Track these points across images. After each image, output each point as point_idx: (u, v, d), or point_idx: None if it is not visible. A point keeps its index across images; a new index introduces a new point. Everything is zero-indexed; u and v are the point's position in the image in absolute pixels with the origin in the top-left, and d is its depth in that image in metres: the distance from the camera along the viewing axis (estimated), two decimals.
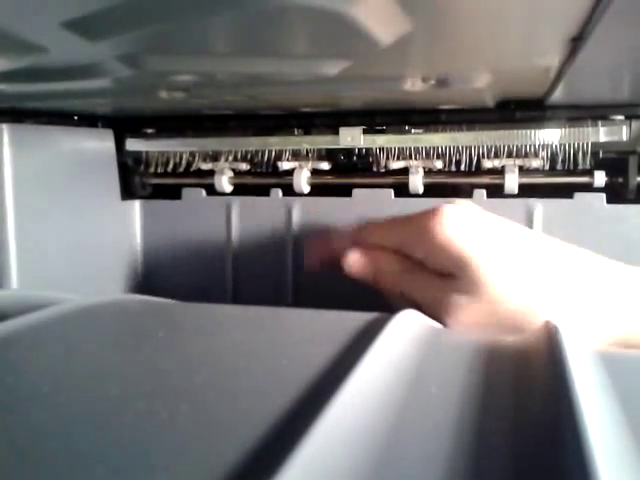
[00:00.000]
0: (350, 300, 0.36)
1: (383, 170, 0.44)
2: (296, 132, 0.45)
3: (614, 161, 0.40)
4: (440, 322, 0.29)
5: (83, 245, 0.44)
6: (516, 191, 0.41)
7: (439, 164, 0.43)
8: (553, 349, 0.18)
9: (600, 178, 0.40)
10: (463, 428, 0.14)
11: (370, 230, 0.33)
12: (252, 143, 0.46)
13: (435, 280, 0.30)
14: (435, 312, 0.29)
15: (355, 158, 0.44)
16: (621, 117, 0.39)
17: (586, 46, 0.22)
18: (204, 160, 0.48)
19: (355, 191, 0.44)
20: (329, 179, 0.45)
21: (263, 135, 0.46)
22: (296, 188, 0.45)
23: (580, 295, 0.29)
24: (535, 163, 0.41)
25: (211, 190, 0.47)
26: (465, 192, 0.42)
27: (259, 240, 0.47)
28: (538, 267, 0.29)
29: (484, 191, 0.42)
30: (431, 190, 0.43)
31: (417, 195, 0.43)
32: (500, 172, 0.41)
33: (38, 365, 0.19)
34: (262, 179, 0.47)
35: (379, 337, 0.19)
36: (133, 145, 0.49)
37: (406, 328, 0.21)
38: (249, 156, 0.47)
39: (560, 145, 0.41)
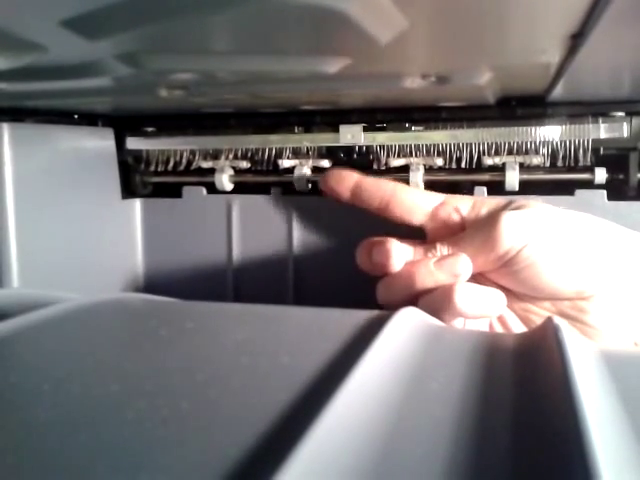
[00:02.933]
0: (351, 297, 0.36)
1: (384, 168, 0.44)
2: (296, 130, 0.45)
3: (615, 158, 0.40)
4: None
5: (84, 244, 0.44)
6: (517, 188, 0.41)
7: (440, 161, 0.43)
8: (555, 346, 0.18)
9: (601, 175, 0.40)
10: (464, 424, 0.14)
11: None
12: (252, 141, 0.46)
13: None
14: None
15: (355, 156, 0.44)
16: (622, 114, 0.39)
17: (586, 43, 0.22)
18: (204, 158, 0.48)
19: None
20: None
21: (263, 133, 0.46)
22: (296, 186, 0.45)
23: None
24: (536, 160, 0.41)
25: (212, 188, 0.47)
26: (466, 189, 0.42)
27: (260, 238, 0.47)
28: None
29: (485, 188, 0.42)
30: (432, 187, 0.43)
31: None
32: (501, 169, 0.41)
33: (39, 364, 0.19)
34: (263, 177, 0.47)
35: (380, 334, 0.19)
36: (133, 144, 0.49)
37: (407, 325, 0.21)
38: (249, 154, 0.47)
39: (561, 142, 0.40)
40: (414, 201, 0.37)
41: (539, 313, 0.33)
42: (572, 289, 0.31)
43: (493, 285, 0.34)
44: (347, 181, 0.39)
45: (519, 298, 0.33)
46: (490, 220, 0.32)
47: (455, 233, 0.35)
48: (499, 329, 0.34)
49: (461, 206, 0.36)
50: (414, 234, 0.37)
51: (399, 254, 0.33)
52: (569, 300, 0.32)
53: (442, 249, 0.33)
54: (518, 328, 0.34)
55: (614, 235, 0.32)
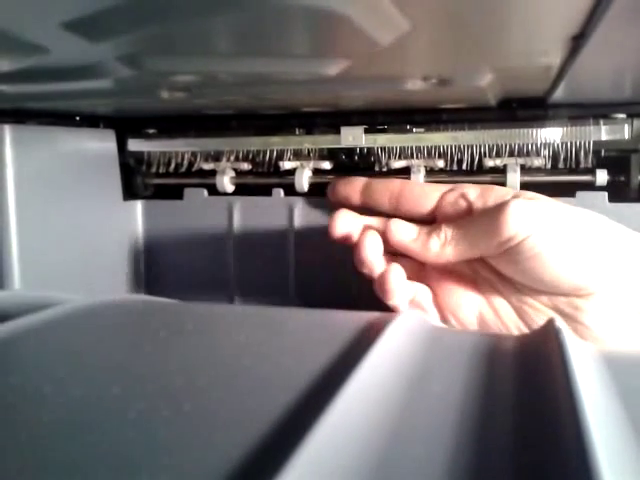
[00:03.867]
0: (353, 299, 0.36)
1: (385, 169, 0.44)
2: (297, 132, 0.45)
3: (616, 160, 0.40)
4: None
5: (85, 246, 0.44)
6: (518, 190, 0.41)
7: (441, 163, 0.43)
8: (556, 348, 0.18)
9: (602, 177, 0.40)
10: (465, 427, 0.14)
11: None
12: (254, 143, 0.46)
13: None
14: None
15: (357, 157, 0.44)
16: (623, 115, 0.39)
17: (587, 45, 0.22)
18: (206, 160, 0.48)
19: None
20: (331, 179, 0.45)
21: (264, 135, 0.46)
22: (298, 188, 0.45)
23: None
24: (537, 162, 0.41)
25: (213, 190, 0.48)
26: None
27: (261, 240, 0.47)
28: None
29: None
30: None
31: None
32: (502, 171, 0.41)
33: (40, 365, 0.19)
34: (264, 179, 0.47)
35: (381, 336, 0.19)
36: (135, 145, 0.49)
37: (408, 327, 0.21)
38: (251, 156, 0.47)
39: (562, 144, 0.40)
40: (423, 191, 0.37)
41: (534, 306, 0.33)
42: (572, 284, 0.31)
43: (493, 273, 0.34)
44: (356, 185, 0.40)
45: (517, 289, 0.34)
46: (498, 206, 0.32)
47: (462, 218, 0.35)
48: (491, 317, 0.34)
49: (469, 192, 0.36)
50: None
51: (343, 220, 0.37)
52: (567, 296, 0.32)
53: (447, 230, 0.33)
54: (510, 318, 0.34)
55: (618, 235, 0.32)
